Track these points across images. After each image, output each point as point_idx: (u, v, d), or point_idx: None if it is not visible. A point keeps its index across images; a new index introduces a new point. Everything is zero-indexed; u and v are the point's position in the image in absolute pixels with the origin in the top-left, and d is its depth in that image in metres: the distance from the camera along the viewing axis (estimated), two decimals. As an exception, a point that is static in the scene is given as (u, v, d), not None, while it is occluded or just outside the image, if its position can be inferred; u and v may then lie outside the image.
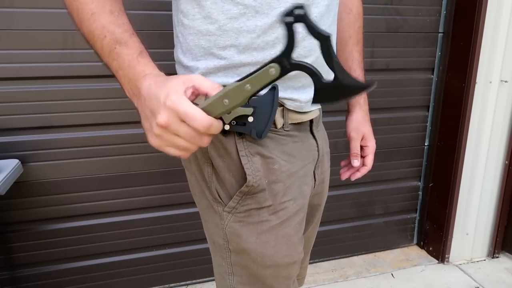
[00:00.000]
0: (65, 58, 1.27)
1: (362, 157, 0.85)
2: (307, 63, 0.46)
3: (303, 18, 0.42)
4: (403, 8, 1.57)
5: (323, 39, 0.44)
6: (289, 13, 0.43)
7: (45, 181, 1.37)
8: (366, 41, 1.57)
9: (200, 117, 0.44)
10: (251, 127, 0.57)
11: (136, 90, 0.49)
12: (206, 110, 0.46)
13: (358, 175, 0.85)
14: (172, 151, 0.48)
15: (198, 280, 1.66)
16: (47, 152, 1.34)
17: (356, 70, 0.82)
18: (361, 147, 0.85)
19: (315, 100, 0.48)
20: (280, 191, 0.63)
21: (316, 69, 0.46)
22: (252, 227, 0.63)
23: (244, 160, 0.60)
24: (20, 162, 1.28)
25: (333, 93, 0.47)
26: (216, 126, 0.46)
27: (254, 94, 0.47)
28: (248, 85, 0.45)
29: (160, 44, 1.31)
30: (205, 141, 0.48)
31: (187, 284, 1.65)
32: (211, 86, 0.47)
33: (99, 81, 1.31)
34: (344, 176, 0.88)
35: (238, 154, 0.60)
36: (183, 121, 0.45)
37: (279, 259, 0.65)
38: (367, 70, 1.60)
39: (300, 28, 0.44)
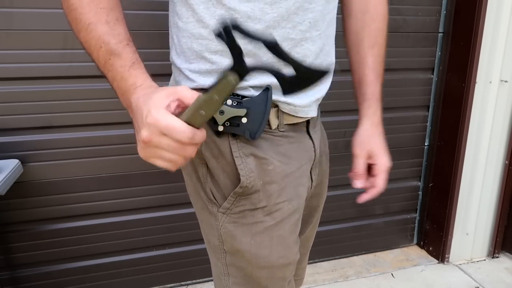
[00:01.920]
0: (65, 58, 1.27)
1: (372, 176, 0.74)
2: (262, 64, 0.49)
3: (235, 26, 0.46)
4: (403, 8, 1.57)
5: (266, 44, 0.47)
6: (222, 26, 0.46)
7: (45, 181, 1.37)
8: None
9: (181, 129, 0.45)
10: (244, 128, 0.58)
11: (128, 102, 0.51)
12: (187, 121, 0.47)
13: (366, 197, 0.74)
14: (159, 163, 0.49)
15: (198, 280, 1.66)
16: (47, 152, 1.34)
17: (368, 75, 0.73)
18: (369, 166, 0.74)
19: (285, 92, 0.51)
20: (275, 192, 0.63)
21: (271, 65, 0.49)
22: (246, 228, 0.63)
23: (238, 161, 0.60)
24: (20, 162, 1.28)
25: (297, 84, 0.50)
26: (199, 135, 0.47)
27: (223, 102, 0.50)
28: (215, 95, 0.48)
29: (160, 44, 1.31)
30: (190, 151, 0.48)
31: (187, 284, 1.65)
32: (194, 97, 0.48)
33: (99, 81, 1.31)
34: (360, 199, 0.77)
35: (232, 155, 0.60)
36: (164, 134, 0.46)
37: (274, 260, 0.65)
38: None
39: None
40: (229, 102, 0.58)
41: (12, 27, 1.20)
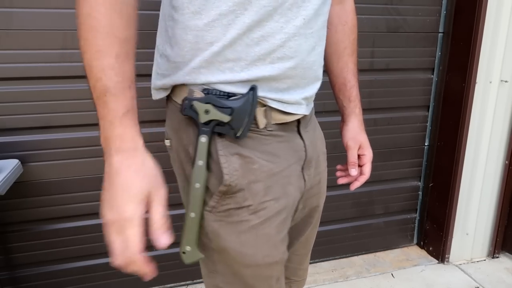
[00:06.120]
0: (65, 58, 1.27)
1: (360, 166, 0.86)
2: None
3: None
4: (403, 8, 1.57)
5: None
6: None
7: (45, 181, 1.37)
8: (366, 41, 1.57)
9: (135, 243, 0.54)
10: (229, 128, 0.58)
11: (107, 149, 0.52)
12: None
13: (357, 184, 0.87)
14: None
15: (198, 280, 1.66)
16: (47, 152, 1.34)
17: (351, 80, 0.84)
18: (358, 156, 0.86)
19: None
20: (260, 190, 0.63)
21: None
22: (231, 226, 0.63)
23: (222, 160, 0.61)
24: (20, 162, 1.28)
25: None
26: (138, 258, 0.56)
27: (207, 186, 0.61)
28: (200, 161, 0.61)
29: (160, 44, 1.31)
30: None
31: (187, 284, 1.65)
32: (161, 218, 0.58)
33: (99, 81, 1.31)
34: (342, 181, 0.89)
35: (218, 154, 0.61)
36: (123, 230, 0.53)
37: (259, 259, 0.65)
38: (367, 70, 1.61)
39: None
40: (215, 101, 0.58)
41: (12, 27, 1.20)
